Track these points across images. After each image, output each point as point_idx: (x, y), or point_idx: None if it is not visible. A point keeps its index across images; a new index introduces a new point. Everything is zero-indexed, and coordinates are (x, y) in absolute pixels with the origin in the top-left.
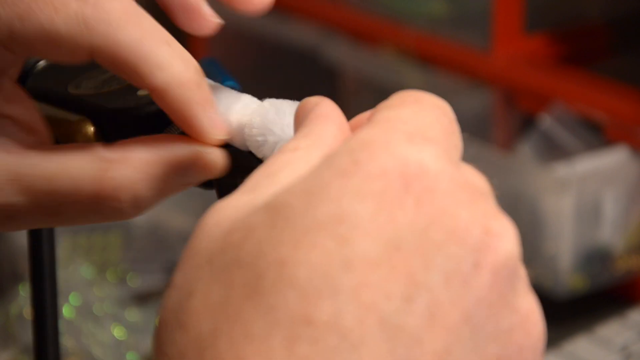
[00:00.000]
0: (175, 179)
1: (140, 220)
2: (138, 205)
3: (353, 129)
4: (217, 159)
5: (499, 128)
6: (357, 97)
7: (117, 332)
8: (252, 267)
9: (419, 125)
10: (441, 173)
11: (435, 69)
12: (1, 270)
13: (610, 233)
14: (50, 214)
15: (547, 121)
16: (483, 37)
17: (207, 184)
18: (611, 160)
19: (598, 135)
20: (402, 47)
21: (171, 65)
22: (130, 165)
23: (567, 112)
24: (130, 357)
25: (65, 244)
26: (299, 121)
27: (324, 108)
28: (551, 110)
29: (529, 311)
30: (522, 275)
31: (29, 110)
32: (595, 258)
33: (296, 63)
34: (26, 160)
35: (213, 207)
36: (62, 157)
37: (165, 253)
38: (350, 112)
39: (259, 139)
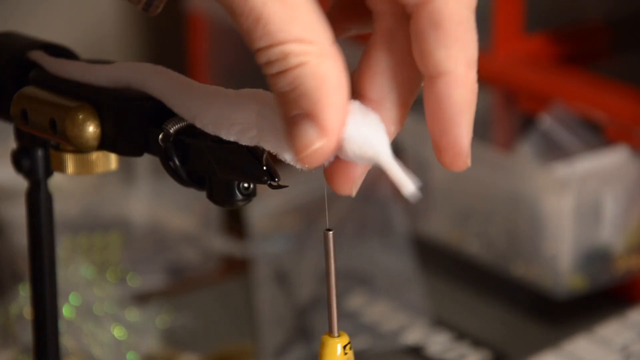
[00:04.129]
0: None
1: (140, 220)
2: None
3: None
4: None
5: (499, 128)
6: None
7: (117, 332)
8: None
9: None
10: None
11: None
12: (1, 270)
13: (610, 233)
14: None
15: (547, 121)
16: (483, 37)
17: (199, 184)
18: (611, 160)
19: (598, 135)
20: None
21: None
22: None
23: (567, 112)
24: (130, 357)
25: (65, 244)
26: None
27: None
28: (551, 110)
29: None
30: None
31: None
32: (595, 258)
33: None
34: None
35: None
36: None
37: (165, 253)
38: None
39: (362, 155)
